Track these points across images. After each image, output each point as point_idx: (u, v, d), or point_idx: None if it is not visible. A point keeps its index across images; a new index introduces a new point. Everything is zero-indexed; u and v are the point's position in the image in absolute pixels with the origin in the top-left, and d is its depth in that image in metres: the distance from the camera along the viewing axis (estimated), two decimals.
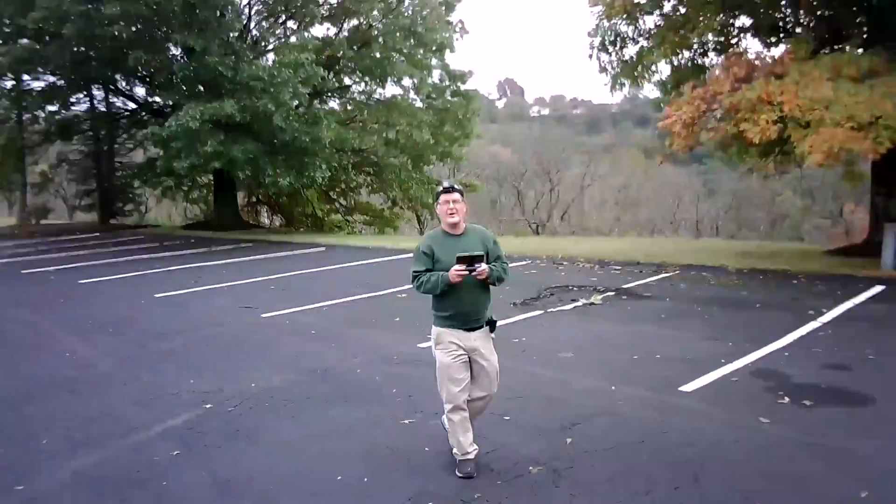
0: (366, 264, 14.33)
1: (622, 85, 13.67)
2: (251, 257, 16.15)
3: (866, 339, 7.46)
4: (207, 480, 4.43)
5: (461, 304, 4.29)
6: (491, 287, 4.41)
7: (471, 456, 4.38)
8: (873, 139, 9.29)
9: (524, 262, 13.59)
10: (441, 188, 4.39)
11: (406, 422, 5.31)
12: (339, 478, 4.37)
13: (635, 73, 13.20)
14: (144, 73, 20.98)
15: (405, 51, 21.89)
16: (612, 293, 10.26)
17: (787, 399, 5.51)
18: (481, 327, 4.39)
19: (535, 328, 8.28)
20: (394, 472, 4.44)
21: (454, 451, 4.41)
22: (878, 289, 10.02)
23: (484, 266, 4.15)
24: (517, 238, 21.43)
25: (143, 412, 5.74)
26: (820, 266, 11.88)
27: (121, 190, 29.47)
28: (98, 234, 24.70)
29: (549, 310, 9.24)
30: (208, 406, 5.83)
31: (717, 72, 10.97)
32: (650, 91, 14.82)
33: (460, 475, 4.31)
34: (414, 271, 4.35)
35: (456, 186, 4.37)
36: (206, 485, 4.38)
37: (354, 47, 23.17)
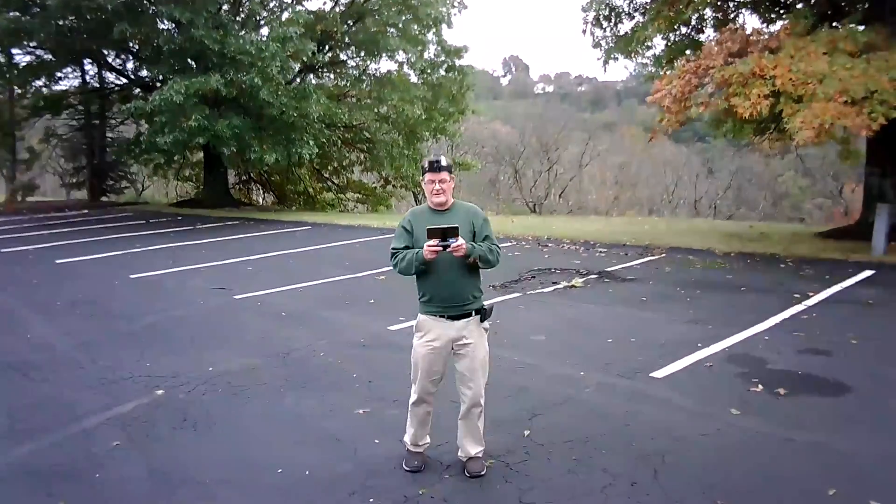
0: (349, 244, 14.07)
1: (615, 59, 13.29)
2: (234, 236, 15.89)
3: (850, 323, 7.21)
4: (143, 472, 4.21)
5: (440, 286, 3.86)
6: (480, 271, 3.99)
7: (421, 449, 4.15)
8: (867, 114, 8.95)
9: (509, 244, 13.32)
10: (426, 164, 3.91)
11: (360, 411, 5.08)
12: (279, 470, 4.15)
13: (629, 48, 12.81)
14: (131, 46, 20.55)
15: (400, 25, 21.42)
16: (595, 276, 10.01)
17: (760, 387, 5.27)
18: (467, 315, 3.90)
19: (513, 311, 8.04)
20: (339, 465, 4.21)
21: (405, 439, 4.17)
22: (866, 273, 9.75)
23: (460, 241, 3.64)
24: (507, 218, 21.11)
25: (92, 398, 5.51)
26: (809, 249, 11.60)
27: (112, 166, 29.12)
28: (87, 211, 24.42)
29: (528, 292, 9.00)
30: (160, 392, 5.60)
31: (711, 46, 10.58)
32: (644, 67, 14.45)
33: (407, 468, 4.09)
34: (392, 248, 3.95)
35: (443, 163, 3.88)
36: (141, 477, 4.16)
37: (349, 22, 22.75)
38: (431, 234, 3.65)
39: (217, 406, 5.27)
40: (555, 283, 9.62)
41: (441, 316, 3.89)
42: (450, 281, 3.85)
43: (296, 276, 10.68)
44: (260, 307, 8.77)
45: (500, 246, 4.01)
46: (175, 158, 25.97)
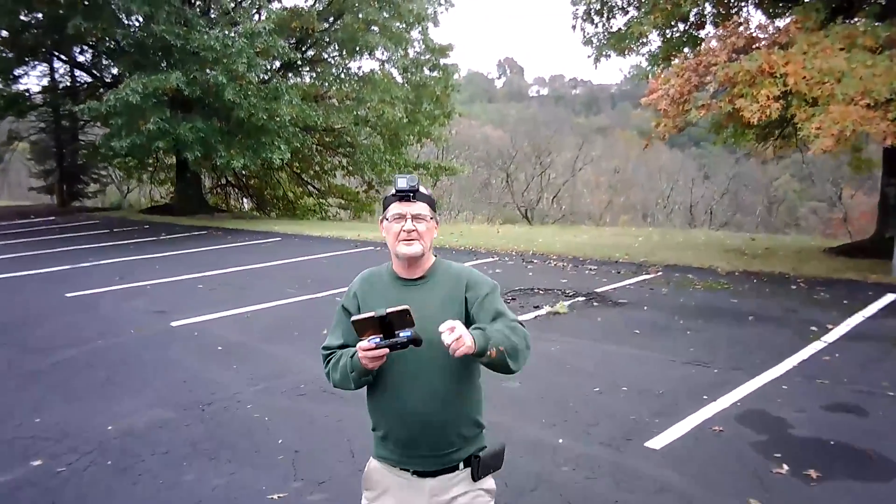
0: (316, 259, 12.91)
1: (607, 56, 12.17)
2: (196, 249, 14.70)
3: (880, 366, 6.10)
4: None
5: (401, 414, 2.19)
6: (482, 374, 2.28)
7: None
8: (892, 120, 7.85)
9: (491, 259, 12.16)
10: (393, 190, 2.22)
11: (275, 496, 3.94)
12: None
13: (623, 45, 11.69)
14: (90, 41, 19.24)
15: (380, 21, 20.23)
16: (583, 298, 8.88)
17: (785, 467, 4.14)
18: (452, 469, 2.22)
19: None
20: None
21: None
22: (889, 298, 8.63)
23: (456, 329, 1.89)
24: (492, 227, 19.97)
25: None
26: (821, 268, 10.44)
27: (84, 170, 27.88)
28: (53, 217, 23.22)
29: None
30: (36, 463, 4.45)
31: (712, 41, 9.47)
32: (638, 67, 13.33)
33: None
34: (324, 348, 2.31)
35: (422, 190, 2.23)
36: None
37: (329, 19, 21.59)
38: (361, 327, 1.98)
39: (96, 489, 4.11)
40: (537, 307, 8.49)
41: (403, 468, 2.23)
42: (422, 402, 2.15)
43: (249, 296, 9.55)
44: (196, 337, 7.63)
45: (521, 323, 2.19)
46: (149, 161, 24.90)
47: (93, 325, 8.26)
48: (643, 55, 12.24)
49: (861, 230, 35.58)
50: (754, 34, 9.26)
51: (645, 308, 8.28)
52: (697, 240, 14.53)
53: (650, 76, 12.13)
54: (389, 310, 1.92)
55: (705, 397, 5.31)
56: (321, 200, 26.32)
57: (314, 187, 26.59)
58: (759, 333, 7.20)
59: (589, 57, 12.51)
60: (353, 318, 1.97)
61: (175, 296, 9.89)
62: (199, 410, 5.36)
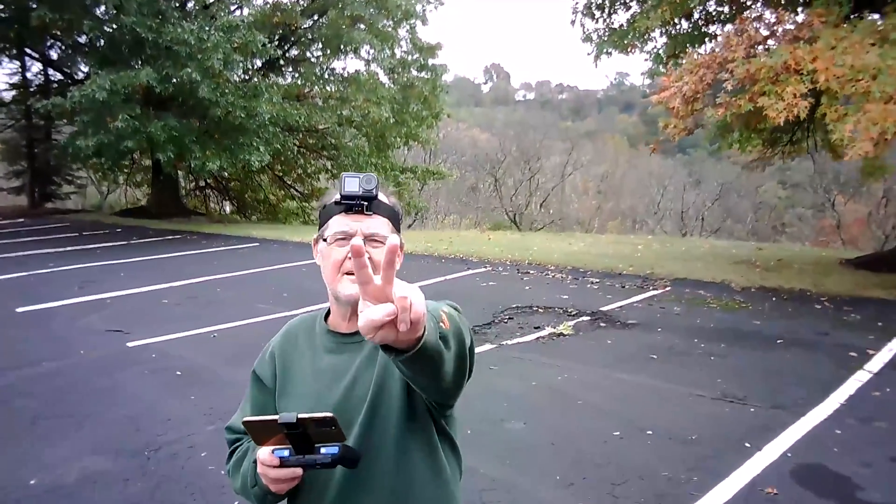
0: (295, 267, 11.98)
1: (608, 54, 11.35)
2: (167, 255, 13.72)
3: None
4: None
5: None
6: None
7: None
8: None
9: (483, 270, 11.29)
10: (336, 196, 1.44)
11: None
12: None
13: (625, 42, 10.86)
14: (56, 34, 18.13)
15: (365, 17, 19.30)
16: (588, 318, 8.02)
17: None
18: None
19: (482, 374, 6.02)
20: None
21: None
22: None
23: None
24: (483, 234, 19.08)
25: None
26: (844, 284, 9.60)
27: (57, 170, 26.72)
28: (23, 220, 22.10)
29: (503, 343, 6.99)
30: None
31: (730, 35, 8.64)
32: (641, 63, 12.52)
33: None
34: (227, 429, 1.66)
35: (382, 197, 1.46)
36: None
37: (314, 17, 20.68)
38: (258, 432, 1.28)
39: None
40: (537, 327, 7.63)
41: None
42: None
43: (217, 312, 8.63)
44: (154, 361, 6.71)
45: (458, 309, 1.38)
46: (125, 162, 23.82)
47: (40, 346, 7.32)
48: (647, 53, 11.45)
49: (853, 238, 35.18)
50: (774, 29, 8.47)
51: (658, 330, 7.43)
52: (700, 249, 13.73)
53: (656, 75, 11.34)
54: (302, 415, 1.21)
55: (747, 445, 4.47)
56: (304, 204, 25.35)
57: (297, 190, 25.63)
58: (792, 361, 6.37)
59: (589, 54, 11.70)
60: (246, 420, 1.28)
61: (136, 311, 8.95)
62: (144, 458, 4.46)
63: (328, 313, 1.59)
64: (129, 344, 7.33)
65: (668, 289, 9.47)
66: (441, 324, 1.15)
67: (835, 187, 36.26)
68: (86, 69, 20.51)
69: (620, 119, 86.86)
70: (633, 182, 47.93)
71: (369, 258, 1.09)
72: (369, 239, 1.39)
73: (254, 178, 24.35)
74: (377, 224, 1.41)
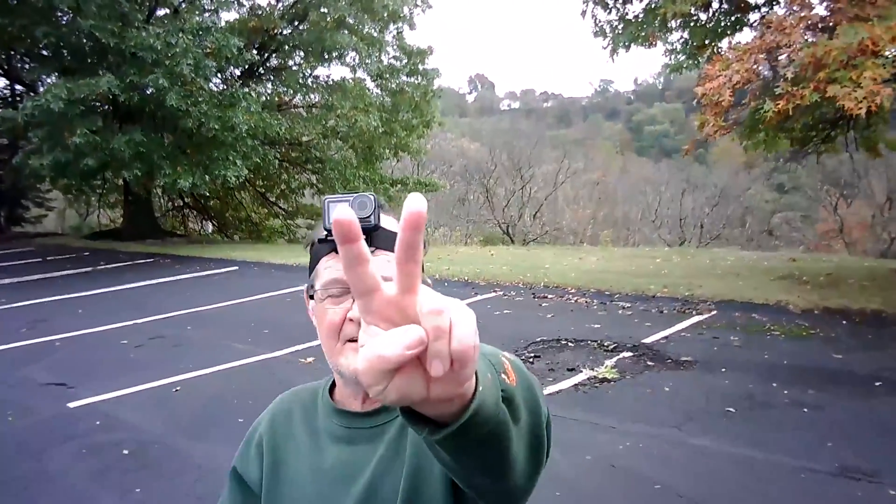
0: (278, 296, 10.55)
1: (626, 47, 10.06)
2: (134, 283, 12.22)
3: None
4: None
5: None
6: None
7: None
8: None
9: (493, 295, 9.86)
10: (323, 232, 1.08)
11: None
12: None
13: (649, 29, 9.52)
14: (4, 40, 16.50)
15: (349, 20, 17.94)
16: (630, 354, 6.66)
17: None
18: None
19: None
20: None
21: None
22: None
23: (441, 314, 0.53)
24: (484, 248, 17.68)
25: None
26: None
27: (23, 193, 25.16)
28: None
29: None
30: None
31: (781, 17, 7.35)
32: (658, 57, 11.21)
33: None
34: None
35: (385, 223, 1.03)
36: None
37: (295, 23, 19.36)
38: None
39: None
40: (571, 369, 6.26)
41: None
42: None
43: (183, 356, 7.23)
44: (96, 431, 5.31)
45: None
46: (96, 182, 22.30)
47: None
48: (670, 44, 10.13)
49: (854, 242, 34.22)
50: (835, 6, 7.17)
51: (723, 370, 6.07)
52: (726, 262, 12.40)
53: (684, 68, 10.04)
54: None
55: None
56: (288, 222, 23.89)
57: (280, 207, 24.16)
58: None
59: (605, 48, 10.40)
60: None
61: (87, 357, 7.53)
62: None
63: (333, 384, 1.17)
64: (71, 405, 5.92)
65: (713, 313, 8.11)
66: (504, 376, 0.75)
67: (836, 190, 35.34)
68: (49, 80, 19.03)
69: (606, 126, 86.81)
70: (625, 189, 47.00)
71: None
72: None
73: (234, 195, 22.89)
74: (382, 266, 0.86)
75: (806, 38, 6.99)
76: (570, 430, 4.86)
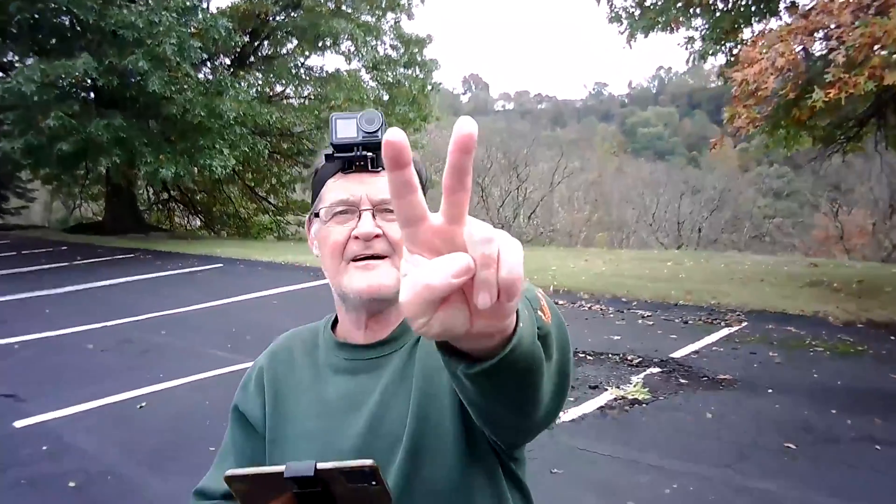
0: (263, 298, 9.73)
1: (646, 32, 9.32)
2: (110, 280, 11.37)
3: None
4: None
5: None
6: None
7: None
8: None
9: None
10: (332, 145, 0.97)
11: None
12: None
13: (668, 17, 8.79)
14: None
15: (345, 7, 17.12)
16: (658, 370, 5.89)
17: None
18: None
19: (542, 481, 3.88)
20: None
21: None
22: None
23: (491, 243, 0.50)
24: None
25: None
26: None
27: (2, 183, 24.24)
28: None
29: (556, 419, 4.85)
30: None
31: None
32: (677, 46, 10.49)
33: None
34: (196, 494, 1.12)
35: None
36: None
37: (289, 11, 18.55)
38: (252, 493, 0.74)
39: None
40: (594, 387, 5.50)
41: None
42: None
43: (153, 364, 6.43)
44: (42, 458, 4.50)
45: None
46: (79, 171, 21.39)
47: None
48: (696, 29, 9.38)
49: (854, 248, 33.71)
50: None
51: (769, 391, 5.31)
52: (743, 266, 11.65)
53: (711, 53, 9.30)
54: (325, 464, 0.79)
55: None
56: (278, 218, 23.02)
57: (270, 203, 23.29)
58: None
59: (621, 33, 9.67)
60: (231, 473, 0.83)
61: (47, 363, 6.70)
62: None
63: (335, 321, 1.14)
64: (18, 424, 5.11)
65: (744, 325, 7.36)
66: (540, 313, 0.75)
67: (838, 195, 34.82)
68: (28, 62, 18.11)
69: (600, 128, 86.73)
70: (621, 191, 46.50)
71: (381, 235, 0.96)
72: (381, 209, 0.99)
73: (222, 189, 22.03)
74: (383, 181, 0.95)
75: (856, 20, 6.24)
76: (601, 469, 4.09)
